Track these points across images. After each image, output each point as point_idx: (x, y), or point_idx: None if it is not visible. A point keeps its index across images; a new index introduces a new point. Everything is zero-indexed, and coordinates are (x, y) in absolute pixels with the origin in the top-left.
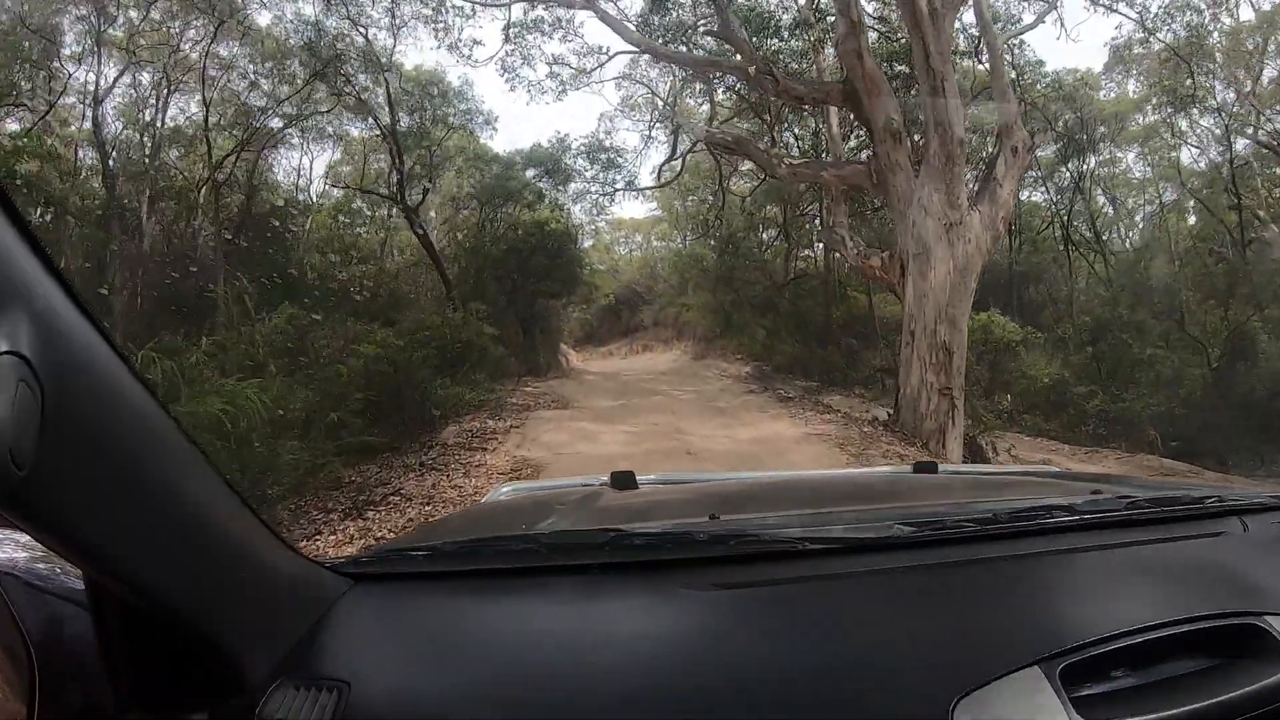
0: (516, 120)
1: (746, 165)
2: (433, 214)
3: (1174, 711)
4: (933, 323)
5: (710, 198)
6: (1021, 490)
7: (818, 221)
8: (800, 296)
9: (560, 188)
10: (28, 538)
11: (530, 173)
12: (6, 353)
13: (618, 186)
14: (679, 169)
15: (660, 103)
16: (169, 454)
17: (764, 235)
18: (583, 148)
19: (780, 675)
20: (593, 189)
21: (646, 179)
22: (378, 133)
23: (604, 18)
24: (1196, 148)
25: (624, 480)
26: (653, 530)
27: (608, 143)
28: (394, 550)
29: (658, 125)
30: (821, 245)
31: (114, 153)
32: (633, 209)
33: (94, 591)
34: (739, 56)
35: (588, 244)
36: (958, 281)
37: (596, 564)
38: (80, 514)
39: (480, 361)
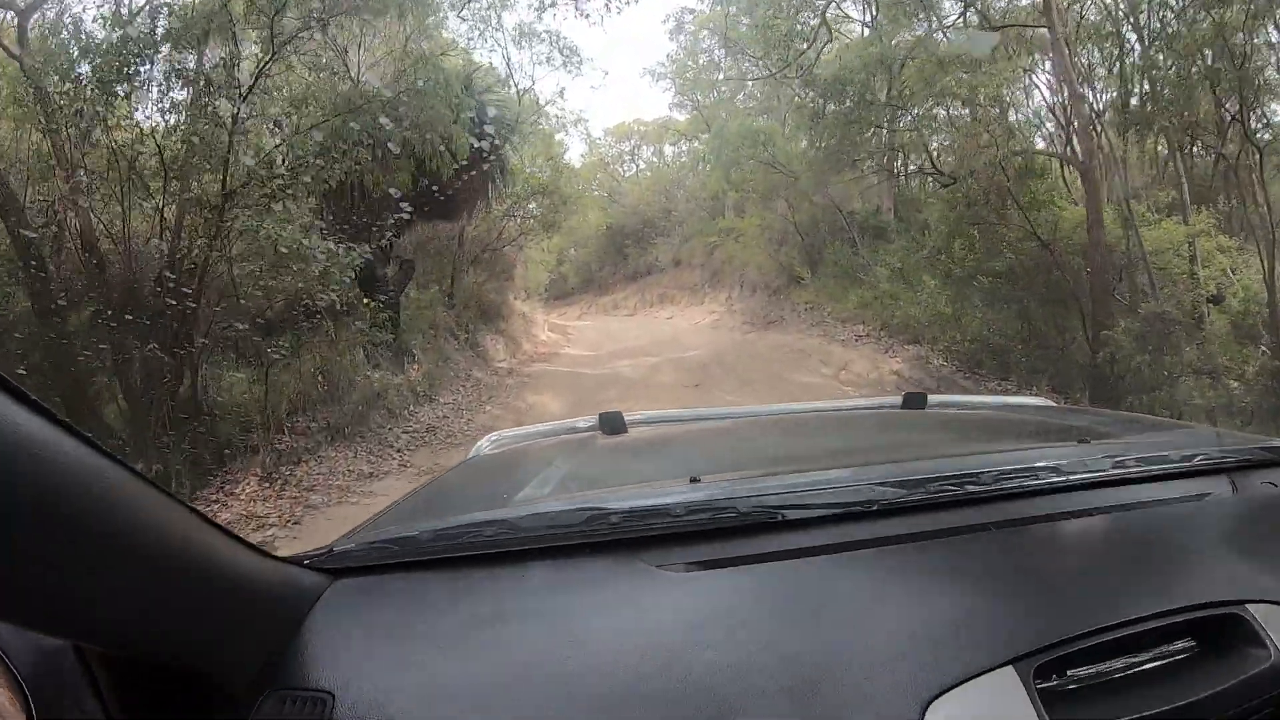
0: None
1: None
2: None
3: (1151, 712)
4: None
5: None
6: (1010, 433)
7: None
8: (999, 209)
9: None
10: None
11: None
12: None
13: None
14: None
15: None
16: (121, 501)
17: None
18: None
19: (753, 665)
20: None
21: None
22: None
23: None
24: None
25: (613, 422)
26: (629, 506)
27: None
28: (370, 543)
29: None
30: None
31: None
32: (639, 102)
33: None
34: None
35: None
36: None
37: (572, 545)
38: (46, 601)
39: None
